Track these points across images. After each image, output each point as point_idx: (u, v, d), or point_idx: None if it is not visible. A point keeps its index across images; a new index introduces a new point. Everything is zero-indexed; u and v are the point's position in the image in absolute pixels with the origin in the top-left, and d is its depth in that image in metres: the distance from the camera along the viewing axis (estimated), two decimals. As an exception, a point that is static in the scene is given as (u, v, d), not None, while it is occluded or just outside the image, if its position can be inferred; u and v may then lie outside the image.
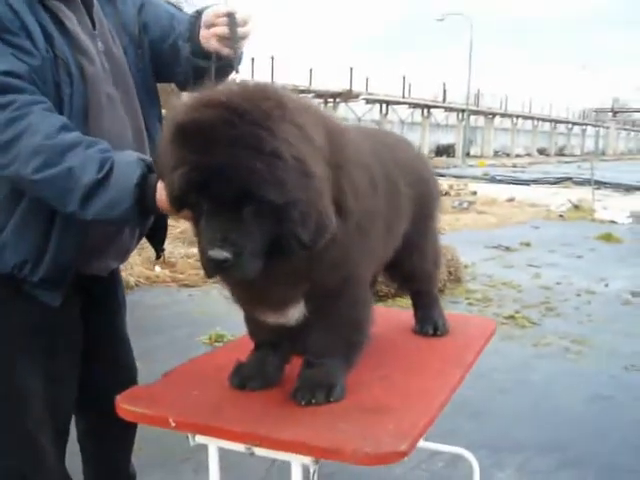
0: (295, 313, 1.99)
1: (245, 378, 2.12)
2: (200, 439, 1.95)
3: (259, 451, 1.86)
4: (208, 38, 2.07)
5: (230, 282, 1.93)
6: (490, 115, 60.50)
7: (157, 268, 8.00)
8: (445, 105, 55.10)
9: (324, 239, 1.71)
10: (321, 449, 1.76)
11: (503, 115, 62.81)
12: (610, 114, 77.64)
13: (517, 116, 64.33)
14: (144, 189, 1.81)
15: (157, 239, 2.44)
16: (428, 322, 2.70)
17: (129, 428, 2.54)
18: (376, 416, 1.92)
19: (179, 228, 9.04)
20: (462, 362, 2.42)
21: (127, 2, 2.22)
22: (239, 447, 1.88)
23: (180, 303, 6.98)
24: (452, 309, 2.65)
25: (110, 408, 2.01)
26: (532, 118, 67.33)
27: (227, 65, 2.09)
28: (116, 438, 2.57)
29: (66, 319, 2.15)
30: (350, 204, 1.83)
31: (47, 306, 2.05)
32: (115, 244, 2.18)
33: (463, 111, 51.91)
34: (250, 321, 2.18)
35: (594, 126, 74.97)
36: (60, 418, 2.23)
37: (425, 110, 52.90)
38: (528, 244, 10.97)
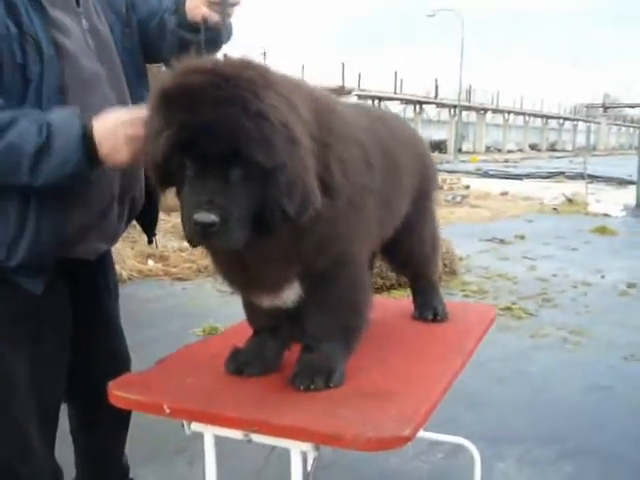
0: (290, 295, 1.93)
1: (242, 364, 2.06)
2: (196, 427, 1.89)
3: (257, 438, 1.80)
4: (196, 5, 2.01)
5: (216, 251, 1.87)
6: (482, 111, 60.59)
7: (150, 262, 7.93)
8: (437, 101, 55.13)
9: (308, 213, 1.67)
10: (321, 434, 1.70)
11: (495, 111, 62.95)
12: (601, 110, 77.81)
13: (509, 112, 64.48)
14: (89, 139, 1.77)
15: (148, 222, 2.37)
16: (427, 307, 2.66)
17: (122, 419, 2.47)
18: (376, 401, 1.86)
19: (171, 222, 8.98)
20: (463, 348, 2.37)
21: None
22: (236, 434, 1.82)
23: (173, 296, 6.90)
24: (448, 301, 2.60)
25: (102, 398, 1.95)
26: (524, 114, 67.50)
27: (215, 37, 2.03)
28: (108, 429, 2.50)
29: (52, 305, 2.07)
30: (338, 183, 1.79)
31: (31, 293, 1.97)
32: (101, 226, 2.09)
33: (455, 107, 51.93)
34: (247, 306, 2.13)
35: (585, 121, 75.06)
36: (48, 405, 2.15)
37: (417, 106, 52.91)
38: (522, 237, 10.93)
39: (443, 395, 2.00)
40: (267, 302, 1.97)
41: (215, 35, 2.04)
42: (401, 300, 3.09)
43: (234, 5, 1.99)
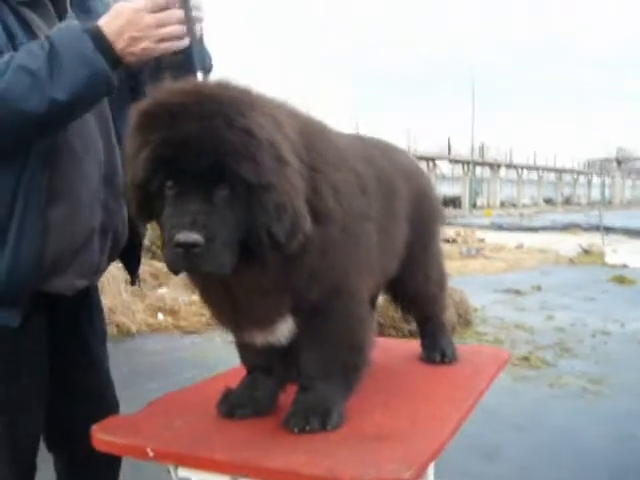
0: (284, 330, 1.81)
1: (234, 405, 1.93)
2: (182, 473, 1.76)
3: (245, 482, 1.66)
4: None
5: (201, 279, 1.76)
6: (495, 167, 60.80)
7: (160, 315, 7.84)
8: (450, 157, 55.47)
9: (297, 240, 1.58)
10: (315, 477, 1.55)
11: (508, 166, 63.12)
12: (615, 163, 77.85)
13: (522, 167, 64.63)
14: (95, 33, 1.68)
15: (132, 263, 2.28)
16: (435, 349, 2.51)
17: (110, 469, 2.32)
18: (377, 443, 1.73)
19: (182, 276, 8.92)
20: (473, 389, 2.22)
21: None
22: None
23: (182, 349, 6.78)
24: (459, 345, 2.48)
25: (87, 445, 1.82)
26: (537, 169, 67.62)
27: (187, 58, 1.95)
28: None
29: (28, 342, 1.96)
30: (329, 208, 1.69)
31: (7, 328, 1.86)
32: (80, 260, 1.99)
33: (468, 163, 52.20)
34: (240, 345, 2.01)
35: (600, 175, 75.13)
36: (23, 454, 2.01)
37: (431, 162, 53.25)
38: (539, 288, 10.74)
39: (452, 436, 1.85)
40: (260, 339, 1.84)
41: (186, 56, 1.96)
42: (408, 342, 2.94)
43: (197, 22, 1.90)
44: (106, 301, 7.31)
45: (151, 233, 10.05)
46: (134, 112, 1.56)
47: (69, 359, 2.16)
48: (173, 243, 1.45)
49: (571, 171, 74.48)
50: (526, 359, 6.25)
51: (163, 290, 8.68)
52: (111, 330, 7.10)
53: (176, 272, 1.55)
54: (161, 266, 9.76)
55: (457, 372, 2.42)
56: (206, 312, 7.75)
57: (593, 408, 4.99)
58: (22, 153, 1.79)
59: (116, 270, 8.26)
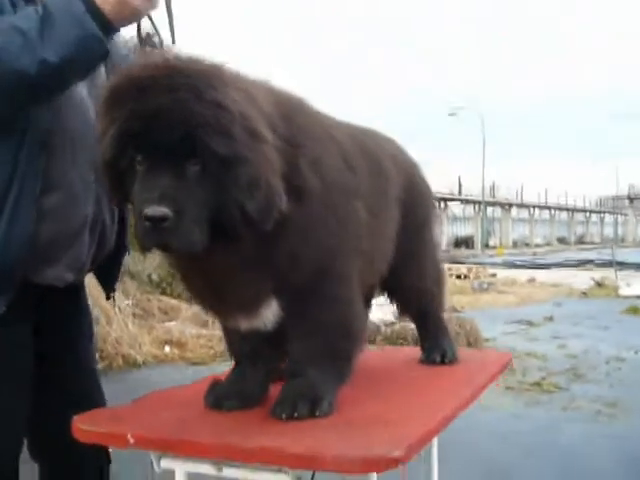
0: (268, 315, 1.75)
1: (221, 397, 1.85)
2: (165, 463, 1.68)
3: (229, 473, 1.58)
4: None
5: (178, 258, 1.71)
6: (507, 206, 60.74)
7: (167, 348, 7.77)
8: (461, 198, 55.49)
9: (272, 217, 1.52)
10: (296, 456, 1.48)
11: (520, 206, 63.07)
12: (627, 201, 77.61)
13: (534, 206, 64.54)
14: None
15: (109, 275, 2.24)
16: (435, 350, 2.42)
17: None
18: (368, 428, 1.64)
19: (191, 310, 8.92)
20: (472, 382, 2.15)
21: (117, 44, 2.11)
22: (208, 469, 1.61)
23: (187, 380, 6.62)
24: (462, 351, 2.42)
25: (75, 454, 1.75)
26: (549, 208, 67.50)
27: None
28: None
29: (13, 334, 1.91)
30: (308, 185, 1.64)
31: None
32: (71, 252, 1.97)
33: (479, 203, 52.17)
34: (227, 334, 1.94)
35: (612, 213, 74.90)
36: (2, 464, 1.93)
37: (441, 203, 53.27)
38: (551, 318, 10.59)
39: (446, 423, 1.78)
40: (245, 324, 1.78)
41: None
42: (409, 347, 2.87)
43: None
44: (112, 333, 7.27)
45: (160, 270, 10.13)
46: (104, 89, 1.55)
47: (54, 357, 2.09)
48: (142, 218, 1.41)
49: (583, 210, 74.26)
50: (538, 384, 6.11)
51: (171, 323, 8.63)
52: (117, 361, 7.04)
53: (147, 249, 1.51)
54: (171, 302, 9.78)
55: (457, 369, 2.35)
56: (214, 344, 7.69)
57: (607, 430, 4.85)
58: (18, 135, 1.79)
59: (123, 301, 8.28)
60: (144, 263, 9.77)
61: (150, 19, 1.88)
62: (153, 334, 7.85)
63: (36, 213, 1.82)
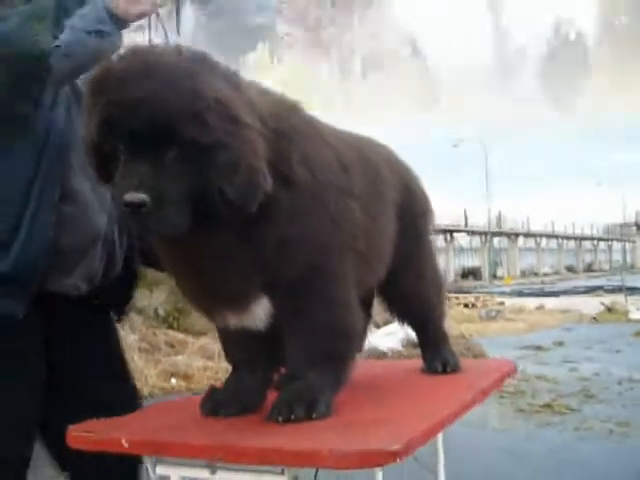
0: (260, 312, 1.72)
1: (218, 404, 1.82)
2: (161, 470, 1.66)
3: (224, 475, 1.55)
4: None
5: (164, 245, 1.71)
6: (513, 236, 60.66)
7: (173, 380, 7.73)
8: (467, 229, 55.49)
9: (256, 199, 1.53)
10: (293, 453, 1.45)
11: (526, 235, 62.97)
12: (635, 228, 77.37)
13: (540, 235, 64.42)
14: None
15: (121, 297, 2.26)
16: (436, 359, 2.36)
17: None
18: (366, 427, 1.61)
19: (198, 344, 8.91)
20: (474, 386, 2.10)
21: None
22: (203, 474, 1.58)
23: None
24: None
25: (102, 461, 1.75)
26: (556, 237, 67.35)
27: None
28: None
29: (26, 342, 1.95)
30: (297, 174, 1.65)
31: (8, 322, 1.86)
32: (85, 261, 2.02)
33: (486, 234, 52.14)
34: (223, 338, 1.92)
35: (620, 241, 74.66)
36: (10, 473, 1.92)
37: (448, 235, 53.25)
38: (561, 343, 10.50)
39: (446, 421, 1.74)
40: (234, 321, 1.75)
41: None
42: (413, 360, 2.82)
43: None
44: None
45: (166, 305, 10.12)
46: (87, 81, 1.61)
47: (68, 367, 2.10)
48: (121, 204, 1.45)
49: (591, 238, 74.06)
50: (549, 406, 6.02)
51: (178, 357, 8.59)
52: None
53: (130, 232, 1.57)
54: (178, 336, 9.76)
55: (458, 377, 2.30)
56: (220, 376, 7.63)
57: (621, 448, 4.76)
58: (41, 137, 1.89)
59: (129, 336, 8.25)
60: (150, 299, 9.80)
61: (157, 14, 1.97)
62: (159, 367, 7.82)
63: (55, 218, 1.89)
